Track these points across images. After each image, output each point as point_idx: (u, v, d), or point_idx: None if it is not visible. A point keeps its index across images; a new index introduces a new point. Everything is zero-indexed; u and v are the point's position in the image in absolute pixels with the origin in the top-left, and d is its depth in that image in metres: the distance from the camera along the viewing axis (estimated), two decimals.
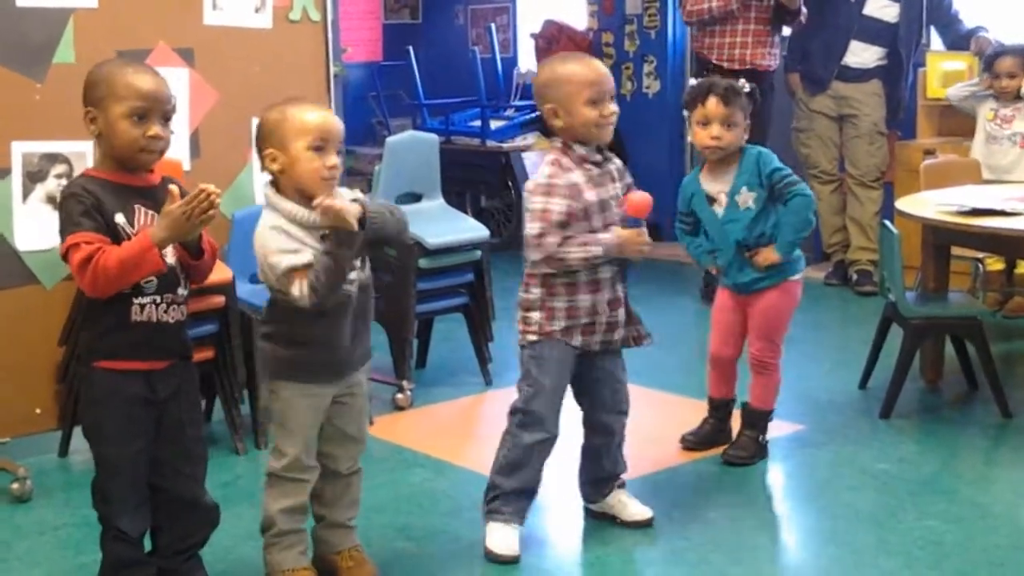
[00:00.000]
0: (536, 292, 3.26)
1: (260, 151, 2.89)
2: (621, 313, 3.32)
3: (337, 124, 2.90)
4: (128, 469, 2.81)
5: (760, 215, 3.81)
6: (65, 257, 2.70)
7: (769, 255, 3.82)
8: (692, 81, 4.00)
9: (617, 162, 3.36)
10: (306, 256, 2.80)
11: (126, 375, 2.77)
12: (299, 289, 2.79)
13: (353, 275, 2.92)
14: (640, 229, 3.21)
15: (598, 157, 3.26)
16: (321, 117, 2.87)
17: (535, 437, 3.28)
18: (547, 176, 3.21)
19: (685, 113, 3.92)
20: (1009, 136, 5.61)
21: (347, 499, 3.13)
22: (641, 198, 3.21)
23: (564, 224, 3.17)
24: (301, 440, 2.97)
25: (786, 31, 6.48)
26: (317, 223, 2.82)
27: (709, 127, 3.78)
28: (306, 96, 2.98)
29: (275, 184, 2.90)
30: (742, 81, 3.88)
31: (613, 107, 3.22)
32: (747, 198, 3.80)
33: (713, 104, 3.78)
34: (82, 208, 2.68)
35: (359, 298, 2.97)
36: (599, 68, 3.24)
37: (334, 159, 2.86)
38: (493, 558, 3.25)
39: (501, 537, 3.28)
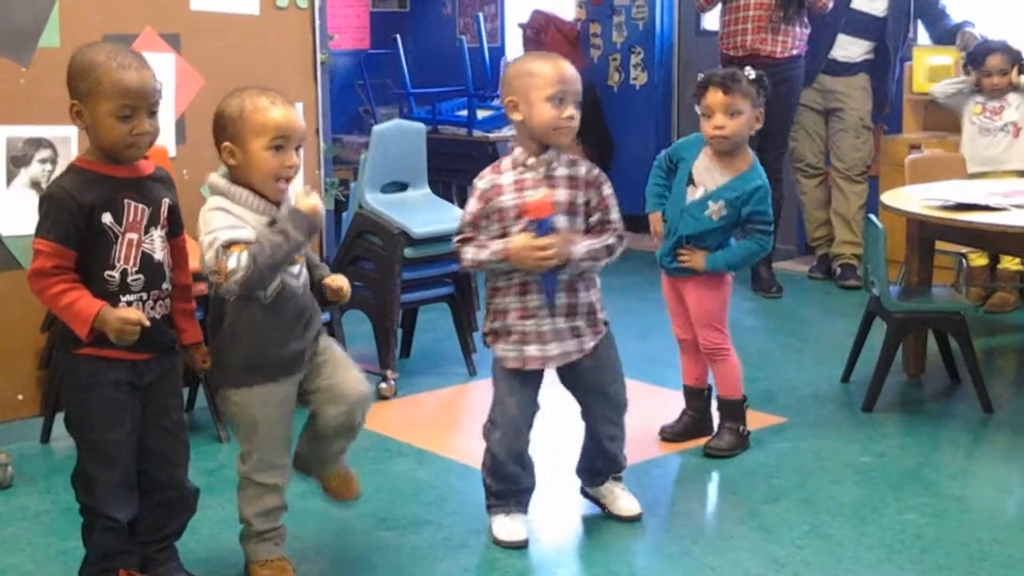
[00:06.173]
0: (487, 293, 3.29)
1: (217, 142, 2.83)
2: (560, 323, 3.21)
3: (299, 120, 2.82)
4: (115, 455, 2.78)
5: (717, 230, 3.82)
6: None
7: (698, 261, 3.83)
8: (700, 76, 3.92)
9: (581, 170, 3.21)
10: (248, 233, 2.73)
11: (110, 362, 2.75)
12: (236, 260, 2.68)
13: (296, 268, 2.88)
14: (540, 237, 3.10)
15: (532, 160, 3.19)
16: (281, 114, 2.78)
17: (496, 436, 3.28)
18: (479, 178, 3.25)
19: (698, 109, 3.88)
20: (1002, 127, 5.66)
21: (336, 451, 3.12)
22: (537, 199, 3.15)
23: (472, 225, 3.19)
24: (265, 440, 2.93)
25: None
26: (269, 213, 2.78)
27: (713, 118, 3.77)
28: (268, 88, 2.87)
29: (229, 175, 2.84)
30: (748, 68, 3.86)
31: (572, 111, 3.14)
32: (719, 210, 3.79)
33: (712, 94, 3.77)
34: (55, 215, 2.67)
35: (305, 297, 2.93)
36: (568, 70, 3.18)
37: (293, 158, 2.79)
38: (501, 545, 3.26)
39: (503, 525, 3.29)
